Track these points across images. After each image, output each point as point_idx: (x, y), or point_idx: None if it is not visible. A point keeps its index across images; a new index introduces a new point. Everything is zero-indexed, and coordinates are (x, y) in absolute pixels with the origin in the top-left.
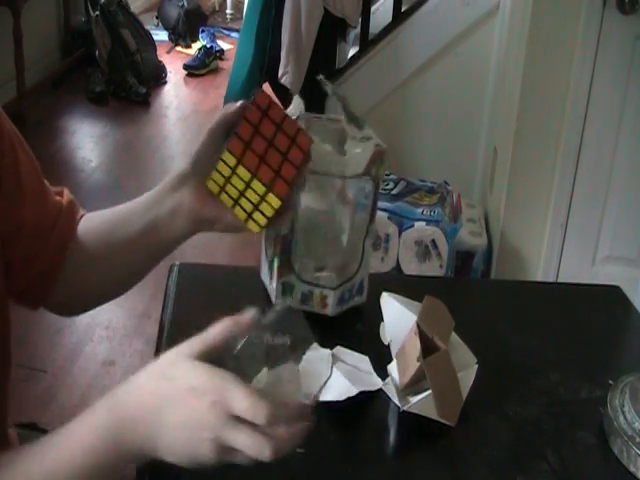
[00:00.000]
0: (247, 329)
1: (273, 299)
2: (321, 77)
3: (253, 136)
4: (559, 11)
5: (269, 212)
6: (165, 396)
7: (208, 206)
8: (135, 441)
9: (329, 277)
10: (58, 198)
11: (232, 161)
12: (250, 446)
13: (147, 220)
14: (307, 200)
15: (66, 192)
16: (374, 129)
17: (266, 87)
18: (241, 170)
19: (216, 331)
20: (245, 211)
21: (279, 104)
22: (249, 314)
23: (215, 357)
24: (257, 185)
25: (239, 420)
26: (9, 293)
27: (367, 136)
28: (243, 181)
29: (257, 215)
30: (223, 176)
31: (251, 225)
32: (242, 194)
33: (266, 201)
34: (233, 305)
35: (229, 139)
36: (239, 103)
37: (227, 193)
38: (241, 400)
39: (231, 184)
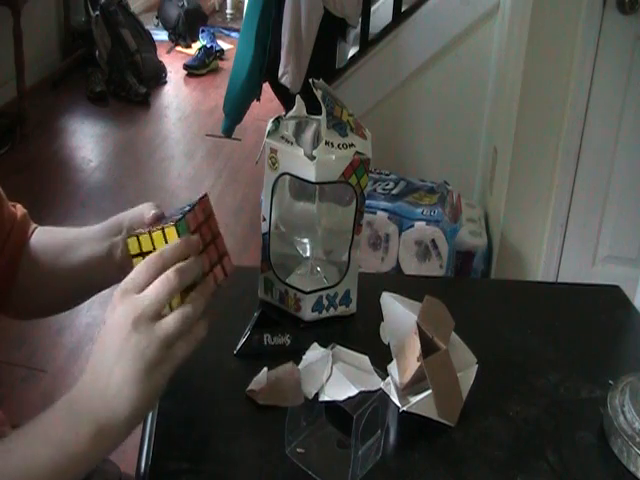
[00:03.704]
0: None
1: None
2: (313, 80)
3: (197, 228)
4: (559, 11)
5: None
6: (99, 355)
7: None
8: (96, 414)
9: (300, 280)
10: (12, 210)
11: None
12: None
13: (88, 254)
14: (283, 198)
15: (19, 206)
16: (373, 131)
17: (266, 87)
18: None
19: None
20: None
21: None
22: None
23: None
24: None
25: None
26: None
27: (349, 143)
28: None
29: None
30: (153, 245)
31: None
32: None
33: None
34: (233, 305)
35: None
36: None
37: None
38: (146, 301)
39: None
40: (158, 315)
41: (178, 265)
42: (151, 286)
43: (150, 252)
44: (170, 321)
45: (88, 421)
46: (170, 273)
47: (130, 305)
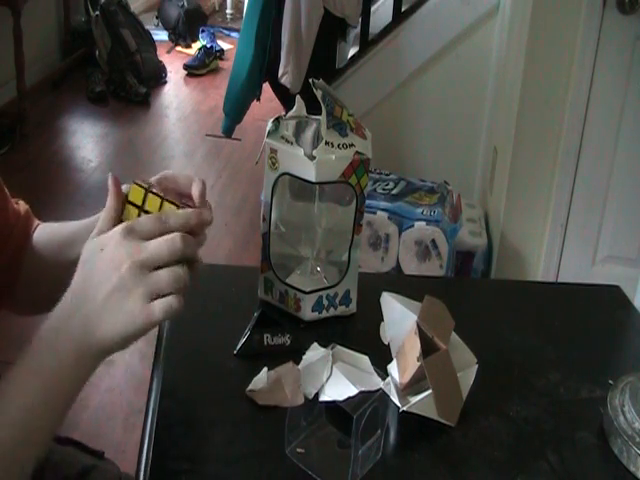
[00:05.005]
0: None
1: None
2: (313, 80)
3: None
4: (559, 11)
5: None
6: (88, 277)
7: None
8: (74, 331)
9: (300, 280)
10: (16, 206)
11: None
12: (165, 247)
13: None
14: (283, 198)
15: (22, 202)
16: (373, 131)
17: (266, 87)
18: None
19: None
20: None
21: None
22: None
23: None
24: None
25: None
26: None
27: (349, 143)
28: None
29: None
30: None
31: None
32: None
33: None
34: (233, 304)
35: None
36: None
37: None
38: (149, 250)
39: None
40: (152, 267)
41: (186, 235)
42: (159, 240)
43: (148, 212)
44: (163, 275)
45: (69, 350)
46: (178, 237)
47: (133, 248)
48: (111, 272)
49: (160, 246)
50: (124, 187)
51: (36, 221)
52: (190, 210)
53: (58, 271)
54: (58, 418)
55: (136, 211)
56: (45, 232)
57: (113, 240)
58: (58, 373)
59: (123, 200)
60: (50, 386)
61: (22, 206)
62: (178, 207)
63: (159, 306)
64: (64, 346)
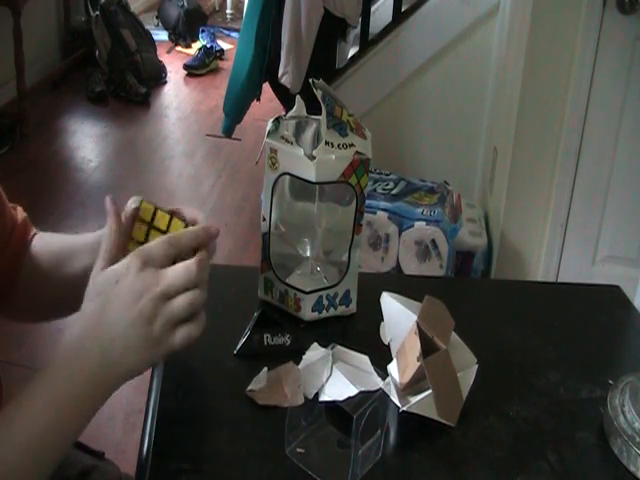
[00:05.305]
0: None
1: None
2: (313, 80)
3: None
4: (559, 11)
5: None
6: (103, 310)
7: None
8: (91, 362)
9: (301, 280)
10: (13, 212)
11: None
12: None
13: (85, 265)
14: (283, 198)
15: (19, 209)
16: (373, 131)
17: (266, 87)
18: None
19: (111, 233)
20: None
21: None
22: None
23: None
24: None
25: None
26: None
27: (349, 143)
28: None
29: None
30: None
31: None
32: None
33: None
34: (233, 304)
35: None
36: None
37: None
38: (166, 281)
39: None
40: (170, 297)
41: (200, 259)
42: (175, 269)
43: (157, 229)
44: (180, 302)
45: (86, 381)
46: (193, 265)
47: (150, 279)
48: (130, 304)
49: (176, 275)
50: (132, 201)
51: (34, 229)
52: (198, 227)
53: (56, 283)
54: (69, 443)
55: (145, 227)
56: (43, 242)
57: (129, 272)
58: (72, 404)
59: (133, 218)
60: (63, 416)
61: (19, 212)
62: (186, 224)
63: (179, 336)
64: (80, 377)
